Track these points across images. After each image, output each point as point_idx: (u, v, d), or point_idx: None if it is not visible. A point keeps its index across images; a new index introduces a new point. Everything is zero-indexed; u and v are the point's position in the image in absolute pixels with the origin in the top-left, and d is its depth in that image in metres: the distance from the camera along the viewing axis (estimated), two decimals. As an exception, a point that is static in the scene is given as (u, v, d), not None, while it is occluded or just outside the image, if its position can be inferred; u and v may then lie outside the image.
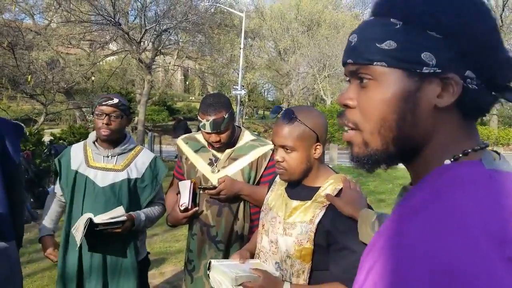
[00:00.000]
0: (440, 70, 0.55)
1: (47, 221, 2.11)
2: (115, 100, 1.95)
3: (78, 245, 1.87)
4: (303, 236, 1.26)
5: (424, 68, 0.55)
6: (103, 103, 1.94)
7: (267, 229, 1.40)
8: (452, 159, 0.57)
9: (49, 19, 14.79)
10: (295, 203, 1.34)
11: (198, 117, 1.83)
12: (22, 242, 2.01)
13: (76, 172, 1.97)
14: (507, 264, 0.44)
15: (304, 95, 24.98)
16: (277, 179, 1.50)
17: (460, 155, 0.57)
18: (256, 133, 2.15)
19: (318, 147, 1.32)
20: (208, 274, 1.42)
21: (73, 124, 11.83)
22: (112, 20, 12.49)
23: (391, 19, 0.58)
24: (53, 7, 13.64)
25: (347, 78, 0.64)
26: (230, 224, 1.84)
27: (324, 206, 1.27)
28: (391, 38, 0.56)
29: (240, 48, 19.16)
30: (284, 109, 1.33)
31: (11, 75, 8.29)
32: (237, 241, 1.86)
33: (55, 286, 3.70)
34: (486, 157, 0.57)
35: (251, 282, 1.26)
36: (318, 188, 1.32)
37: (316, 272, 1.28)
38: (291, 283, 1.27)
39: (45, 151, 7.06)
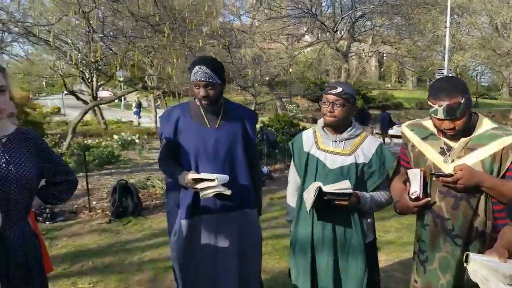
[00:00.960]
0: None
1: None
2: (339, 89, 2.03)
3: (308, 213, 2.03)
4: None
5: None
6: (328, 91, 2.05)
7: None
8: None
9: (253, 17, 16.27)
10: None
11: (429, 102, 1.74)
12: (261, 211, 2.40)
13: (308, 153, 2.13)
14: None
15: (532, 78, 20.27)
16: None
17: None
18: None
19: None
20: (466, 267, 1.38)
21: (278, 113, 12.75)
22: (309, 12, 12.81)
23: None
24: (256, 6, 14.90)
25: None
26: (469, 219, 1.72)
27: None
28: None
29: (445, 27, 16.89)
30: None
31: (228, 72, 9.48)
32: (477, 238, 1.73)
33: (277, 253, 4.02)
34: None
35: None
36: None
37: None
38: None
39: (258, 136, 7.72)
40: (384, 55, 20.63)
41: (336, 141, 2.09)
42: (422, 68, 18.64)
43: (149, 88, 9.08)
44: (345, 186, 1.92)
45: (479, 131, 1.75)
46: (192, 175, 2.00)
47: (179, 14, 5.67)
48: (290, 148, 2.25)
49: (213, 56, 5.91)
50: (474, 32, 23.35)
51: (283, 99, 15.75)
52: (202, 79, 2.03)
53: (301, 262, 2.12)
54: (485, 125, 1.76)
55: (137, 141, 11.58)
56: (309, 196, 1.96)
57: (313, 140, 2.16)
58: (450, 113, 1.65)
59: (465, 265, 1.38)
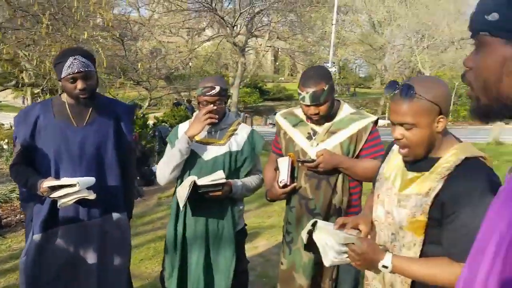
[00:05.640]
0: None
1: None
2: (217, 89, 2.00)
3: (182, 207, 1.99)
4: (417, 209, 1.23)
5: None
6: (207, 93, 2.00)
7: (383, 199, 1.38)
8: None
9: (152, 10, 15.90)
10: (411, 174, 1.30)
11: (298, 90, 1.84)
12: (132, 214, 2.21)
13: None
14: None
15: (400, 69, 23.32)
16: (394, 147, 1.46)
17: None
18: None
19: (441, 120, 1.23)
20: (311, 232, 1.48)
21: (173, 108, 12.74)
22: (209, 6, 13.02)
23: None
24: (156, -2, 14.59)
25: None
26: (329, 197, 1.85)
27: (443, 178, 1.21)
28: (496, 10, 0.65)
29: (332, 24, 18.47)
30: (401, 84, 1.25)
31: (120, 65, 9.24)
32: (335, 214, 1.86)
33: (159, 256, 3.80)
34: None
35: (355, 244, 1.30)
36: (439, 158, 1.25)
37: (428, 246, 1.25)
38: (393, 254, 1.27)
39: (150, 133, 7.72)
40: (279, 50, 21.80)
41: (211, 132, 2.10)
42: (311, 62, 20.25)
43: (26, 85, 8.26)
44: (218, 176, 1.93)
45: (340, 116, 1.91)
46: (48, 183, 1.77)
47: (65, 3, 5.41)
48: (168, 142, 2.19)
49: (103, 49, 5.77)
50: (356, 29, 25.98)
51: (182, 94, 15.75)
52: (81, 69, 1.82)
53: (173, 260, 2.09)
54: (345, 110, 1.93)
55: (5, 147, 9.53)
56: (183, 192, 1.92)
57: None
58: (315, 99, 1.77)
59: (311, 229, 1.50)
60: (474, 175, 1.17)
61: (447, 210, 1.19)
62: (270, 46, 18.60)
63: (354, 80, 31.35)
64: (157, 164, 7.76)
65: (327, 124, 1.90)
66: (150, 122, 9.11)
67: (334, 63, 18.81)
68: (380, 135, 1.93)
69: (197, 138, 2.08)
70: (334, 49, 19.37)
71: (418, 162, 1.30)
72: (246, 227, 2.25)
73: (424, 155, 1.28)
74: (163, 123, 9.12)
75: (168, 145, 2.19)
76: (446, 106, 1.23)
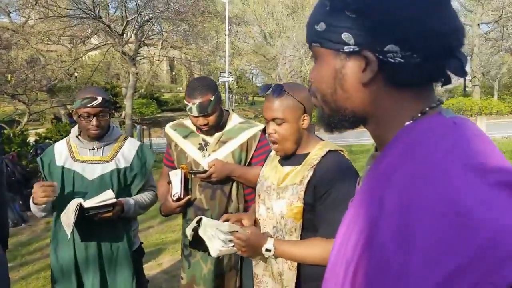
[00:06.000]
0: (358, 49, 0.58)
1: None
2: (99, 99, 1.88)
3: (69, 236, 1.82)
4: (294, 196, 1.38)
5: (345, 47, 0.59)
6: (88, 105, 1.86)
7: (263, 198, 1.50)
8: (411, 120, 0.60)
9: (26, 16, 14.39)
10: (287, 169, 1.46)
11: (185, 102, 1.84)
12: (7, 244, 2.00)
13: (63, 167, 1.93)
14: (492, 189, 0.47)
15: (292, 78, 24.94)
16: (272, 153, 1.60)
17: (419, 115, 0.60)
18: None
19: (305, 118, 1.43)
20: (197, 229, 1.56)
21: (58, 122, 11.65)
22: (92, 13, 12.24)
23: (325, 0, 0.61)
24: (29, 4, 13.26)
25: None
26: (224, 206, 1.87)
27: (312, 167, 1.38)
28: (323, 20, 0.61)
29: (226, 35, 18.88)
30: (273, 85, 1.43)
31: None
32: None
33: (50, 286, 3.68)
34: (443, 110, 0.61)
35: (240, 232, 1.40)
36: (308, 154, 1.44)
37: (306, 233, 1.38)
38: (274, 238, 1.38)
39: (31, 151, 6.93)
40: (174, 59, 21.52)
41: (94, 149, 1.97)
42: (208, 71, 20.41)
43: None
44: (107, 196, 1.81)
45: (229, 125, 1.94)
46: None
47: None
48: (39, 163, 1.98)
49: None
50: (249, 40, 27.09)
51: (68, 107, 14.46)
52: None
53: None
54: (234, 119, 1.97)
55: None
56: (68, 218, 1.76)
57: (68, 152, 1.97)
58: (202, 110, 1.78)
59: (196, 226, 1.57)
60: (336, 162, 1.40)
61: (319, 192, 1.36)
62: (164, 56, 18.22)
63: (252, 89, 32.42)
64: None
65: (217, 134, 1.92)
66: (31, 139, 8.24)
67: (231, 73, 19.21)
68: (268, 143, 2.01)
69: (77, 157, 1.95)
70: (229, 59, 19.83)
71: (291, 159, 1.46)
72: (145, 246, 2.17)
73: (293, 150, 1.45)
74: (46, 140, 8.27)
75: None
76: (309, 106, 1.43)
